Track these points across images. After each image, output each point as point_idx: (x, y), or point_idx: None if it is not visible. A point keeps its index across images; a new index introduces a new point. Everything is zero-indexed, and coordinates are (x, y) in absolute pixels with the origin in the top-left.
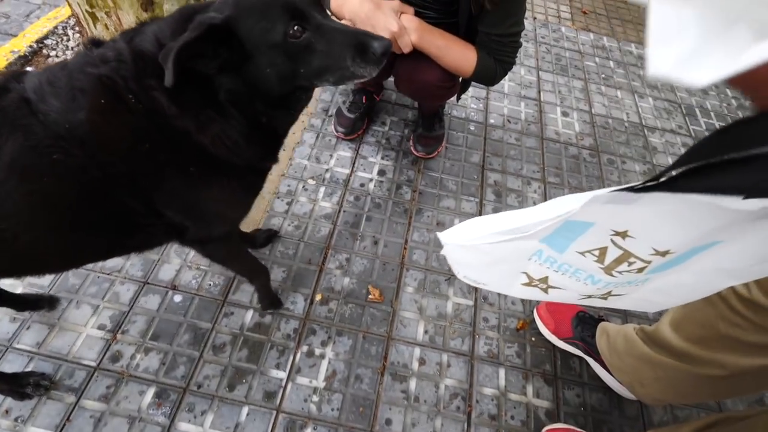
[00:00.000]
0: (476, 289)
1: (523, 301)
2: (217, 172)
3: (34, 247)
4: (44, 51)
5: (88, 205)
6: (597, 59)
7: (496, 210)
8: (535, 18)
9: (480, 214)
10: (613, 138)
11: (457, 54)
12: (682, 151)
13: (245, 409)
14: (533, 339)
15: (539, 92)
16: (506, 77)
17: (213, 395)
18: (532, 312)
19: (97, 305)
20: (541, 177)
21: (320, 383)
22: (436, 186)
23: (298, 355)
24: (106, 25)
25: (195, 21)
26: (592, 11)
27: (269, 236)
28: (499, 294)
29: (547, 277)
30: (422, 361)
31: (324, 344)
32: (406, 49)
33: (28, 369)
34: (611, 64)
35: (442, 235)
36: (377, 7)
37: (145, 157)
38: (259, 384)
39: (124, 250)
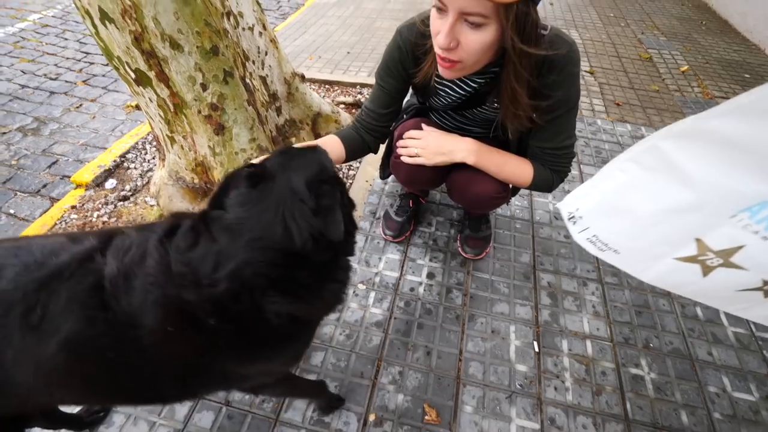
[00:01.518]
0: (541, 409)
1: (595, 423)
2: (285, 345)
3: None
4: (125, 164)
5: (133, 386)
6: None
7: (553, 316)
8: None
9: (536, 320)
10: None
11: (514, 169)
12: None
13: None
14: None
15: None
16: None
17: None
18: None
19: (154, 422)
20: (597, 277)
21: (333, 414)
22: (487, 289)
23: None
24: (182, 146)
25: (316, 187)
26: (625, 102)
27: None
28: (567, 415)
29: (739, 248)
30: None
31: None
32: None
33: None
34: None
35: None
36: (443, 136)
37: (207, 361)
38: None
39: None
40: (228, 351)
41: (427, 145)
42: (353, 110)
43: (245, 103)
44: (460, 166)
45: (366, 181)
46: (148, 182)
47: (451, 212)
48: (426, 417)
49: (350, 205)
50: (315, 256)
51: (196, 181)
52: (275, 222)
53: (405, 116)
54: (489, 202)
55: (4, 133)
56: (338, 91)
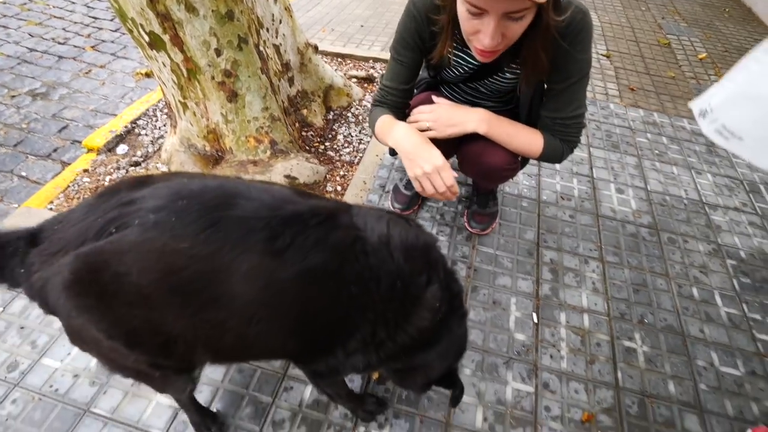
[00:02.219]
0: (537, 373)
1: (587, 389)
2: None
3: (263, 339)
4: (136, 130)
5: (327, 328)
6: (649, 135)
7: (553, 290)
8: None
9: (537, 294)
10: (672, 216)
11: (525, 139)
12: (750, 230)
13: None
14: None
15: (591, 168)
16: None
17: None
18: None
19: None
20: (599, 256)
21: (376, 420)
22: (491, 263)
23: None
24: (194, 113)
25: None
26: (639, 88)
27: None
28: (560, 380)
29: None
30: None
31: (381, 426)
32: (444, 185)
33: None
34: (664, 139)
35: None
36: (423, 140)
37: (405, 340)
38: None
39: (294, 361)
40: (414, 343)
41: (438, 117)
42: (365, 84)
43: (259, 71)
44: (472, 138)
45: (376, 155)
46: (159, 149)
47: (461, 188)
48: None
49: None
50: None
51: (208, 148)
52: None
53: (416, 90)
54: (500, 174)
55: (14, 96)
56: (350, 65)
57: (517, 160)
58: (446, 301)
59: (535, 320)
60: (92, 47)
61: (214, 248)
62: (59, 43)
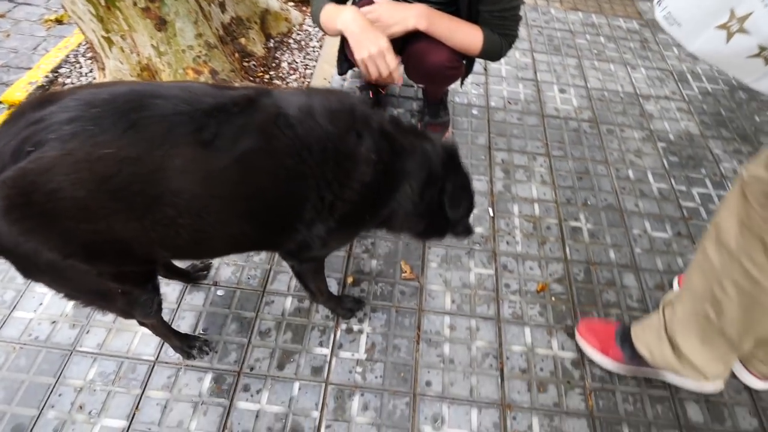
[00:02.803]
0: (496, 258)
1: (540, 266)
2: (369, 224)
3: (219, 230)
4: (59, 80)
5: (277, 206)
6: (588, 36)
7: (506, 186)
8: (524, 3)
9: (491, 191)
10: (610, 109)
11: (465, 34)
12: (678, 115)
13: (297, 384)
14: (553, 299)
15: (535, 73)
16: (502, 61)
17: (265, 375)
18: (547, 289)
19: None
20: (545, 152)
21: (362, 355)
22: None
23: (338, 333)
24: (121, 48)
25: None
26: None
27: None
28: (517, 261)
29: (749, 15)
30: (453, 328)
31: (361, 321)
32: (385, 72)
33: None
34: (602, 39)
35: None
36: (369, 24)
37: (356, 197)
38: (306, 361)
39: (263, 247)
40: (366, 200)
41: (379, 16)
42: (304, 8)
43: None
44: (415, 39)
45: (324, 79)
46: None
47: (411, 104)
48: (403, 274)
49: None
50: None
51: None
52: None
53: None
54: (444, 73)
55: None
56: None
57: (460, 60)
58: (385, 150)
59: (491, 214)
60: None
61: (142, 149)
62: None
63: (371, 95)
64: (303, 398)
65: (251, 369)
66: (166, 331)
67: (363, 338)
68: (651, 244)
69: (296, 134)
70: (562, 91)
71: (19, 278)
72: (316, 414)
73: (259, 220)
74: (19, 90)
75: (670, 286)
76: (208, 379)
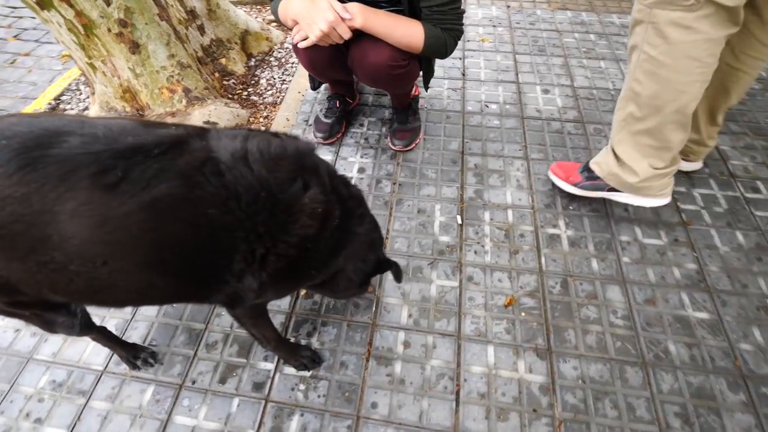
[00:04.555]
0: (460, 270)
1: (510, 277)
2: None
3: (114, 276)
4: (61, 106)
5: (196, 257)
6: (576, 35)
7: (477, 192)
8: (508, 6)
9: (461, 198)
10: (598, 108)
11: (404, 30)
12: None
13: (236, 401)
14: (522, 314)
15: (517, 74)
16: (482, 64)
17: (206, 389)
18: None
19: (104, 316)
20: (523, 155)
21: (306, 372)
22: (416, 176)
23: None
24: (104, 72)
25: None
26: None
27: None
28: (484, 272)
29: None
30: (407, 344)
31: (309, 335)
32: (346, 36)
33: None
34: (592, 37)
35: None
36: (312, 3)
37: (297, 253)
38: (249, 376)
39: (185, 299)
40: (310, 257)
41: (303, 17)
42: (285, 28)
43: (156, 17)
44: (357, 42)
45: (299, 92)
46: None
47: (383, 112)
48: None
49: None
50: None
51: (128, 109)
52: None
53: None
54: (388, 73)
55: None
56: (269, 10)
57: (406, 58)
58: (335, 204)
59: (459, 221)
60: (14, 37)
61: (32, 188)
62: None
63: (339, 105)
64: (240, 415)
65: (193, 383)
66: (110, 342)
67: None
68: (642, 252)
69: (224, 182)
70: (545, 91)
71: None
72: None
73: (173, 272)
74: None
75: (664, 300)
76: (150, 391)
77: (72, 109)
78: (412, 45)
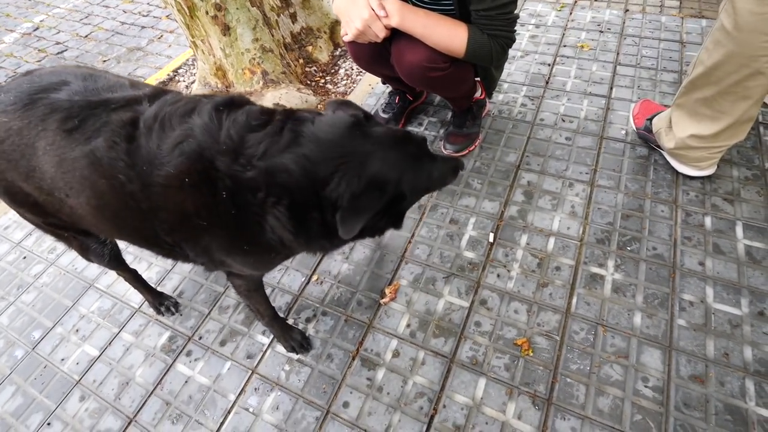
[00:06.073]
0: (476, 291)
1: (529, 311)
2: (264, 253)
3: (81, 211)
4: (176, 78)
5: (125, 217)
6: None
7: (521, 212)
8: (626, 10)
9: (501, 215)
10: None
11: (445, 31)
12: None
13: (228, 364)
14: (530, 353)
15: (611, 88)
16: (570, 74)
17: (208, 347)
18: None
19: (152, 263)
20: (589, 179)
21: (295, 354)
22: (459, 184)
23: None
24: (203, 51)
25: (372, 187)
26: None
27: None
28: (501, 299)
29: None
30: (396, 354)
31: (308, 320)
32: (381, 34)
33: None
34: None
35: None
36: (352, 0)
37: (195, 227)
38: (245, 345)
39: (153, 251)
40: (217, 230)
41: (343, 14)
42: None
43: (248, 2)
44: (398, 40)
45: (369, 85)
46: (191, 92)
47: (446, 113)
48: (383, 299)
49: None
50: (329, 217)
51: (219, 85)
52: (334, 166)
53: None
54: (424, 74)
55: (105, 60)
56: None
57: (447, 61)
58: (207, 175)
59: (491, 240)
60: (167, 16)
61: (25, 123)
62: (143, 16)
63: (398, 101)
64: (228, 378)
65: (200, 338)
66: (139, 285)
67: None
68: (706, 318)
69: (128, 148)
70: None
71: None
72: (232, 397)
73: (111, 221)
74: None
75: (719, 382)
76: (165, 336)
77: (184, 80)
78: (452, 48)
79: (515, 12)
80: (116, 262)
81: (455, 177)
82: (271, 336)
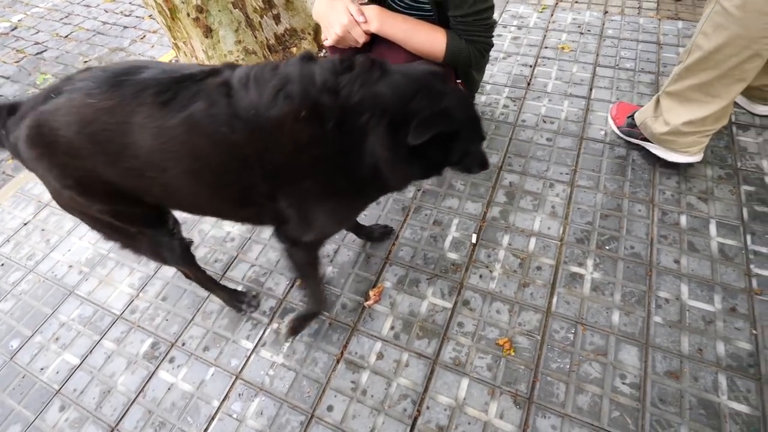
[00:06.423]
0: (459, 292)
1: (510, 311)
2: (354, 194)
3: (175, 183)
4: None
5: (224, 172)
6: (681, 50)
7: (503, 213)
8: (606, 12)
9: (483, 216)
10: None
11: (424, 37)
12: None
13: (212, 370)
14: (512, 353)
15: (591, 89)
16: (551, 75)
17: (191, 353)
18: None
19: (133, 268)
20: (569, 179)
21: (279, 359)
22: (443, 185)
23: (268, 331)
24: (185, 53)
25: (444, 113)
26: None
27: (385, 233)
28: (484, 299)
29: None
30: (380, 356)
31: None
32: (361, 39)
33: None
34: None
35: None
36: (330, 5)
37: (304, 162)
38: (229, 350)
39: (234, 217)
40: (320, 165)
41: (322, 19)
42: None
43: (230, 5)
44: (378, 46)
45: None
46: None
47: None
48: (367, 302)
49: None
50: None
51: None
52: (417, 91)
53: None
54: None
55: (86, 61)
56: None
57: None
58: (326, 102)
59: (474, 241)
60: (149, 16)
61: (116, 102)
62: (125, 15)
63: None
64: (211, 385)
65: (183, 344)
66: (212, 285)
67: (287, 342)
68: (681, 315)
69: (229, 102)
70: None
71: (66, 226)
72: (216, 403)
73: (209, 183)
74: None
75: (692, 377)
76: (148, 343)
77: None
78: (431, 53)
79: (493, 18)
80: (188, 257)
81: (481, 170)
82: (256, 341)
